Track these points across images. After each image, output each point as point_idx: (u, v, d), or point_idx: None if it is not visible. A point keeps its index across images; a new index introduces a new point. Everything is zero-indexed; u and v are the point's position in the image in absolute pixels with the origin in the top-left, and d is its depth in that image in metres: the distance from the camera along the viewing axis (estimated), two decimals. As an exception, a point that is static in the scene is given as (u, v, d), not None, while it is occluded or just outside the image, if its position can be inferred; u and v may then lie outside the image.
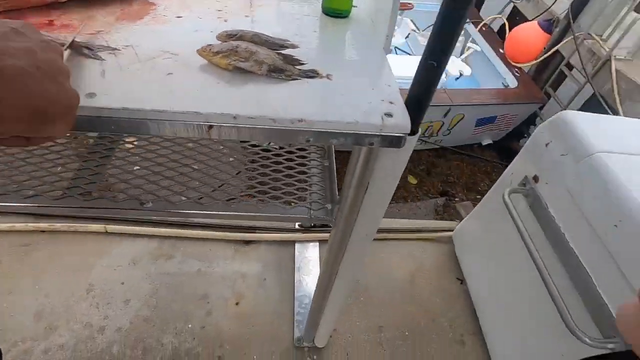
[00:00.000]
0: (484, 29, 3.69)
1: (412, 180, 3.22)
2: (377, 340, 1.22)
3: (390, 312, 1.29)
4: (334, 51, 0.55)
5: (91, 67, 0.44)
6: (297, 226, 1.44)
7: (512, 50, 3.23)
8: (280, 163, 0.75)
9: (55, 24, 0.51)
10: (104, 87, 0.41)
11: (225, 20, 0.58)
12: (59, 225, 1.35)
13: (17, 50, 0.28)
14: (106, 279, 1.26)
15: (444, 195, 3.19)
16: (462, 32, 3.53)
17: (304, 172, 0.74)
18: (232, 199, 0.64)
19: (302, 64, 0.49)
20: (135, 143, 0.77)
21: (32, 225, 1.35)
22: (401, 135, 0.42)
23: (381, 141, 0.43)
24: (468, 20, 3.77)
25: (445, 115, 2.98)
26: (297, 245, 1.40)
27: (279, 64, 0.47)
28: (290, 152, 0.78)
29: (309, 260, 1.35)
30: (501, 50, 3.40)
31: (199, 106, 0.40)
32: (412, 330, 1.25)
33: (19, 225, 1.33)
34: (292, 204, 0.68)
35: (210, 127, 0.40)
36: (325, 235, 1.41)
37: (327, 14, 0.65)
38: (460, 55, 3.47)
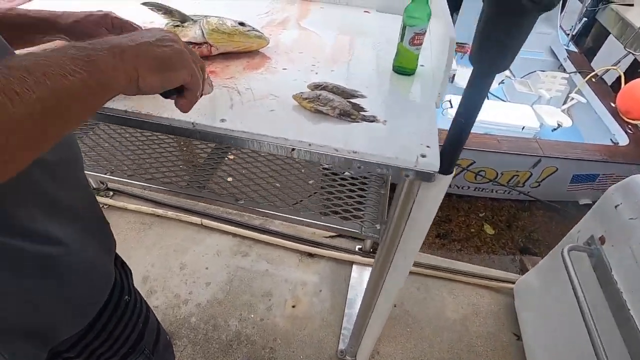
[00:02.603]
0: (593, 80, 3.42)
1: (489, 229, 3.05)
2: (417, 372, 1.24)
3: (436, 349, 1.30)
4: (393, 102, 0.70)
5: (225, 101, 0.66)
6: (357, 249, 1.57)
7: (627, 105, 2.94)
8: (345, 186, 0.90)
9: (206, 70, 0.77)
10: (231, 115, 0.62)
11: (316, 73, 0.78)
12: (170, 213, 1.71)
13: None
14: (195, 262, 1.54)
15: (524, 252, 2.94)
16: (566, 82, 3.34)
17: (363, 196, 0.89)
18: (300, 201, 0.81)
19: (365, 111, 0.65)
20: (235, 156, 1.01)
21: (151, 209, 1.73)
22: (431, 172, 0.55)
23: (415, 175, 0.55)
24: (575, 70, 3.54)
25: (535, 166, 2.81)
26: (354, 267, 1.51)
27: (348, 109, 0.63)
28: (354, 178, 0.93)
29: (363, 282, 1.45)
30: (613, 105, 3.11)
31: (287, 134, 0.59)
32: (455, 372, 1.24)
33: (143, 208, 1.72)
34: (348, 219, 0.82)
35: (293, 149, 0.58)
36: (382, 262, 1.50)
37: (395, 72, 0.80)
38: (562, 105, 3.26)
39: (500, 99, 3.64)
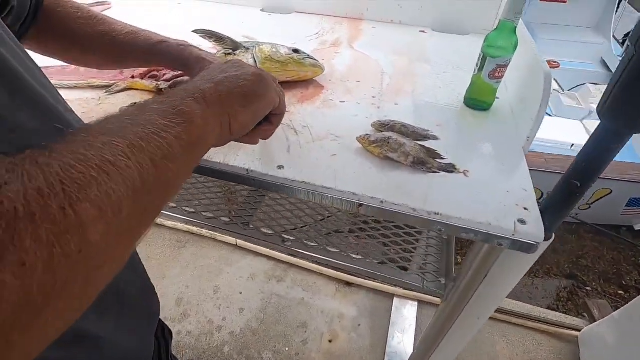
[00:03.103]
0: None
1: (533, 253, 2.84)
2: None
3: (487, 401, 1.18)
4: (472, 146, 0.60)
5: (281, 141, 0.60)
6: (398, 280, 1.46)
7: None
8: (401, 228, 0.81)
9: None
10: (289, 161, 0.56)
11: (378, 107, 0.70)
12: (204, 231, 1.68)
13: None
14: (229, 285, 1.49)
15: (571, 278, 2.72)
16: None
17: (422, 241, 0.79)
18: (355, 246, 0.73)
19: (442, 158, 0.56)
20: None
21: (186, 227, 1.71)
22: (532, 243, 0.45)
23: (511, 244, 0.46)
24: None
25: (587, 188, 2.59)
26: (395, 300, 1.41)
27: (422, 157, 0.55)
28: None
29: (406, 318, 1.35)
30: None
31: (354, 187, 0.51)
32: None
33: (179, 225, 1.70)
34: (407, 269, 0.73)
35: (360, 205, 0.50)
36: (427, 297, 1.39)
37: (467, 105, 0.71)
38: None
39: (546, 114, 3.43)
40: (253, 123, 0.38)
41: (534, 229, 0.45)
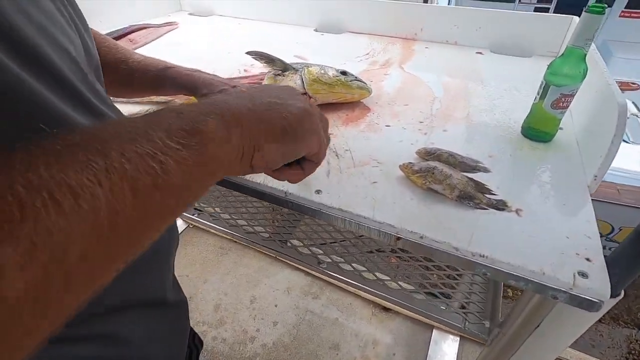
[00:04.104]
0: None
1: (600, 295, 2.53)
2: None
3: None
4: (527, 182, 0.55)
5: (322, 166, 0.58)
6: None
7: None
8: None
9: (302, 124, 0.71)
10: (327, 186, 0.55)
11: (425, 134, 0.67)
12: (245, 240, 1.72)
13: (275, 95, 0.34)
14: (265, 297, 1.51)
15: (645, 329, 2.37)
16: None
17: (466, 276, 0.74)
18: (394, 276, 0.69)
19: (493, 193, 0.52)
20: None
21: (229, 234, 1.76)
22: (595, 300, 0.40)
23: (568, 299, 0.41)
24: None
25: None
26: (435, 332, 1.32)
27: (470, 191, 0.51)
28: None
29: (445, 354, 1.26)
30: None
31: (393, 219, 0.49)
32: None
33: (222, 232, 1.76)
34: (448, 305, 0.68)
35: (398, 238, 0.48)
36: (470, 332, 1.29)
37: (525, 135, 0.65)
38: None
39: (624, 140, 3.08)
40: (279, 164, 0.33)
41: (597, 283, 0.40)
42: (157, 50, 1.07)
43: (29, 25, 0.25)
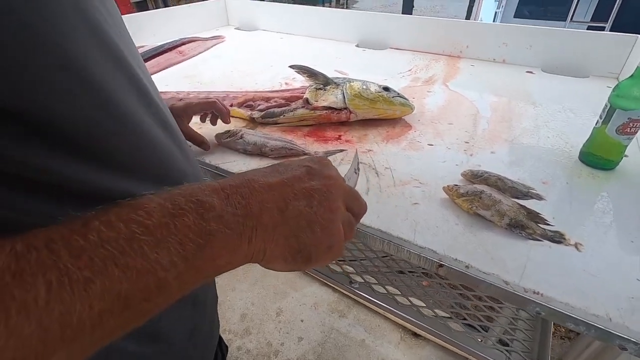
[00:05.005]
0: None
1: None
2: None
3: None
4: (587, 213, 0.50)
5: (361, 183, 0.57)
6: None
7: None
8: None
9: (342, 139, 0.70)
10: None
11: (471, 155, 0.64)
12: (275, 251, 1.72)
13: (302, 193, 0.28)
14: (292, 310, 1.49)
15: None
16: None
17: (508, 310, 0.68)
18: (420, 306, 0.65)
19: (548, 223, 0.48)
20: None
21: (260, 244, 1.77)
22: (673, 356, 0.34)
23: (639, 352, 0.36)
24: None
25: None
26: (469, 365, 1.24)
27: (522, 219, 0.47)
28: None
29: (480, 390, 1.17)
30: None
31: (435, 244, 0.46)
32: None
33: (253, 242, 1.77)
34: (485, 338, 0.63)
35: (441, 265, 0.45)
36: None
37: (584, 162, 0.60)
38: None
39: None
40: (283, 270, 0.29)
41: (677, 338, 0.35)
42: (204, 61, 1.12)
43: (111, 27, 0.28)
